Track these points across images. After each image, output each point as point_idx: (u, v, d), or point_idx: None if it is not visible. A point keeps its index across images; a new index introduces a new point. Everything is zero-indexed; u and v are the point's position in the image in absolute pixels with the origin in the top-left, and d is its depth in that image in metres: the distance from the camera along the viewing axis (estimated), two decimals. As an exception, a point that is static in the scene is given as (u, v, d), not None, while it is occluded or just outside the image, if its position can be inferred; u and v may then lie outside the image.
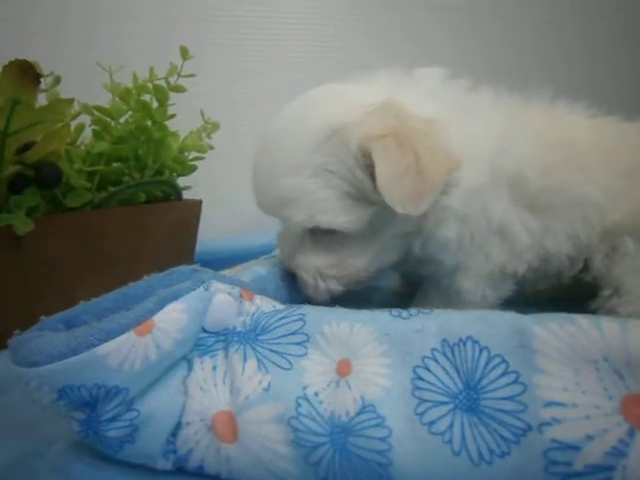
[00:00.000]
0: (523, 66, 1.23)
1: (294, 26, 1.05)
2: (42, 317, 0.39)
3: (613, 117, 0.66)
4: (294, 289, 0.56)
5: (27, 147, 0.53)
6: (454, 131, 0.50)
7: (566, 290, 0.67)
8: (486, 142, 0.54)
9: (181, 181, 0.79)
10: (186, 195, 0.79)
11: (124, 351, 0.35)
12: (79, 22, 0.93)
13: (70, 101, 0.53)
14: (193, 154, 0.79)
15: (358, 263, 0.54)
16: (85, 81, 0.68)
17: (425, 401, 0.33)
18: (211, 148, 0.80)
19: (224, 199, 0.92)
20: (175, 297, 0.38)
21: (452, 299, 0.59)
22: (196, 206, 0.79)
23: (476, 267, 0.57)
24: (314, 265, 0.54)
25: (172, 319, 0.37)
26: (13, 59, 0.46)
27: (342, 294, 0.55)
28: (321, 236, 0.53)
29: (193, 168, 0.79)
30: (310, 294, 0.55)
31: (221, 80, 1.01)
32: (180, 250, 0.76)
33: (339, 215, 0.50)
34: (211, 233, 0.87)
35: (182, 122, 0.77)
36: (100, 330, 0.35)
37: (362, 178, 0.48)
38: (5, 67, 0.46)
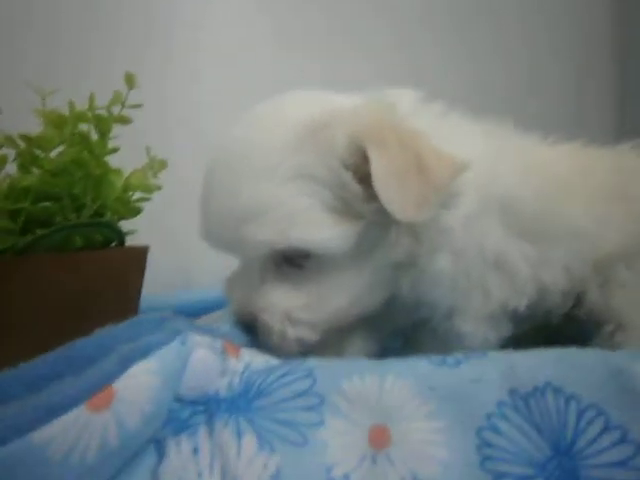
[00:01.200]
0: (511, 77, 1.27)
1: (258, 53, 1.00)
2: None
3: (575, 143, 0.65)
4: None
5: None
6: None
7: (548, 330, 0.63)
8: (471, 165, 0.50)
9: (122, 225, 0.68)
10: (128, 241, 0.69)
11: (72, 435, 0.25)
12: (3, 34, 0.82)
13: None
14: (137, 194, 0.69)
15: (337, 302, 0.43)
16: (6, 105, 0.57)
17: (502, 476, 0.24)
18: (158, 188, 0.71)
19: (170, 246, 0.82)
20: (143, 354, 0.29)
21: (452, 345, 0.51)
22: (142, 253, 0.68)
23: (475, 308, 0.50)
24: (281, 306, 0.43)
25: (140, 385, 0.28)
26: None
27: (314, 346, 0.44)
28: (289, 268, 0.43)
29: (138, 210, 0.68)
30: (274, 345, 0.43)
31: (169, 113, 0.92)
32: (123, 305, 0.65)
33: (319, 229, 0.40)
34: (155, 284, 0.76)
35: (122, 158, 0.67)
36: (37, 406, 0.25)
37: (348, 182, 0.41)
38: None
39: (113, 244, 0.66)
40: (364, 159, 0.40)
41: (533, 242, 0.52)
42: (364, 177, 0.40)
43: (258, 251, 0.42)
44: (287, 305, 0.43)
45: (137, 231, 0.70)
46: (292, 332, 0.42)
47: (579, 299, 0.60)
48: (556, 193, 0.55)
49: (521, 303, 0.52)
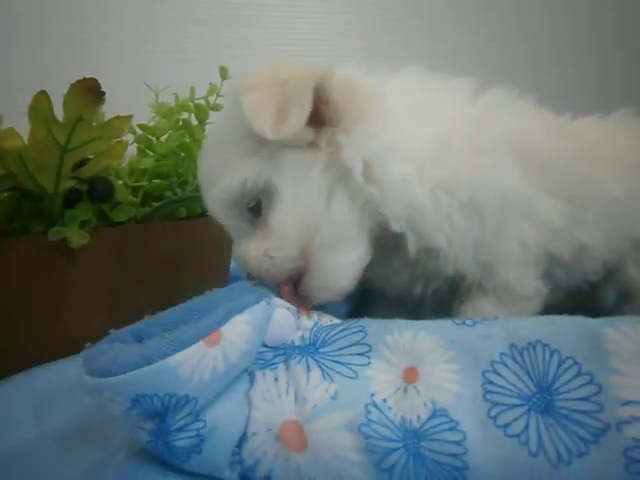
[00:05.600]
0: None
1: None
2: (111, 330, 0.40)
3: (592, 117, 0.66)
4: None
5: (82, 163, 0.55)
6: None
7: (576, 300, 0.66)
8: (467, 108, 0.51)
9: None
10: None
11: (194, 361, 0.36)
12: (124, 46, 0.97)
13: (128, 118, 0.55)
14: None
15: (288, 229, 0.46)
16: (125, 100, 0.69)
17: (498, 404, 0.33)
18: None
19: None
20: (240, 310, 0.39)
21: (504, 297, 0.52)
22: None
23: (518, 259, 0.51)
24: (253, 247, 0.47)
25: (238, 331, 0.38)
26: (81, 78, 0.48)
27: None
28: (257, 219, 0.48)
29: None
30: (256, 273, 0.46)
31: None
32: (217, 265, 0.77)
33: (233, 172, 0.46)
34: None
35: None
36: (172, 340, 0.36)
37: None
38: (72, 85, 0.48)
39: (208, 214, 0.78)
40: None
41: (563, 200, 0.52)
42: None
43: (221, 208, 0.49)
44: (256, 243, 0.47)
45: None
46: (266, 260, 0.45)
47: (611, 272, 0.62)
48: (586, 158, 0.56)
49: (562, 252, 0.53)
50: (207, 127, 0.74)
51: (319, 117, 0.46)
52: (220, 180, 0.47)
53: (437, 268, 0.50)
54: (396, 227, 0.47)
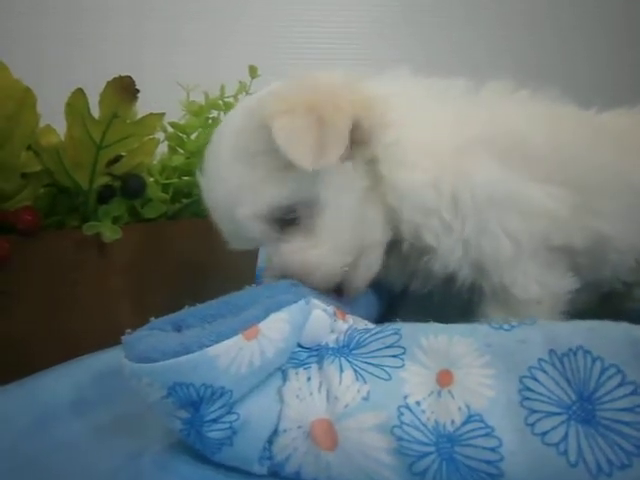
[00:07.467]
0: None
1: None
2: (152, 318, 0.40)
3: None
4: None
5: (116, 159, 0.56)
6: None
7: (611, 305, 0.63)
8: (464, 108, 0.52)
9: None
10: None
11: (232, 354, 0.36)
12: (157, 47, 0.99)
13: (161, 115, 0.56)
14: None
15: (340, 236, 0.49)
16: (153, 98, 0.70)
17: (535, 412, 0.33)
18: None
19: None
20: (279, 307, 0.39)
21: (504, 301, 0.52)
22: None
23: (508, 256, 0.50)
24: (297, 245, 0.49)
25: (276, 328, 0.38)
26: (117, 75, 0.49)
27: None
28: (289, 227, 0.49)
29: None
30: (301, 277, 0.47)
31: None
32: (245, 261, 0.78)
33: (279, 187, 0.47)
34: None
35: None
36: (212, 332, 0.37)
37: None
38: (108, 83, 0.49)
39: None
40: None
41: (573, 189, 0.51)
42: None
43: (252, 225, 0.48)
44: (298, 247, 0.48)
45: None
46: (314, 251, 0.48)
47: None
48: (605, 148, 0.55)
49: (571, 238, 0.51)
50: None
51: (352, 137, 0.48)
52: (256, 198, 0.47)
53: (427, 267, 0.52)
54: (405, 229, 0.51)
